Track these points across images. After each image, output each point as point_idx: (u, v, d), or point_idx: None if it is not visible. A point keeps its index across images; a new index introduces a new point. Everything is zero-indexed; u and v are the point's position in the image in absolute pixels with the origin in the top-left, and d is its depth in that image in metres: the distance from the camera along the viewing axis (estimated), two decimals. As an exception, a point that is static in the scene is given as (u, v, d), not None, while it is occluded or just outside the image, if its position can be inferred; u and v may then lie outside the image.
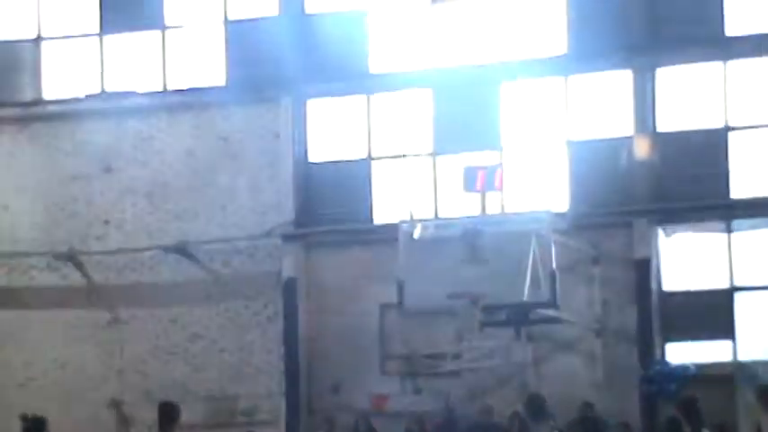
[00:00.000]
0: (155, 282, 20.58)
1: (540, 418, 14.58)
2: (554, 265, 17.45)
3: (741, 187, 19.06)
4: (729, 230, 19.10)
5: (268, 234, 20.23)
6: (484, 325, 18.28)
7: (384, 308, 19.53)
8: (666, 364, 18.84)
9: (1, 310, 20.97)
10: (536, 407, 15.08)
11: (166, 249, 20.55)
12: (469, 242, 18.05)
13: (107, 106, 21.06)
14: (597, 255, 19.30)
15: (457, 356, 18.83)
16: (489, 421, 18.98)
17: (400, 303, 18.41)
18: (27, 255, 20.99)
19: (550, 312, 17.94)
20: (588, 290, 19.23)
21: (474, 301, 17.97)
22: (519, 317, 18.20)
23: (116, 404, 19.99)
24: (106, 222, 21.00)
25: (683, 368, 18.46)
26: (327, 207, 20.32)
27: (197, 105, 20.75)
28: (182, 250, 20.43)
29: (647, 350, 18.96)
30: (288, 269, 20.15)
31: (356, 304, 19.71)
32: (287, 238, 20.27)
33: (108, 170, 21.08)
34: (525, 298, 17.48)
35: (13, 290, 21.03)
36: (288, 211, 20.34)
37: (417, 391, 19.59)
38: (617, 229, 19.25)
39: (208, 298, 20.33)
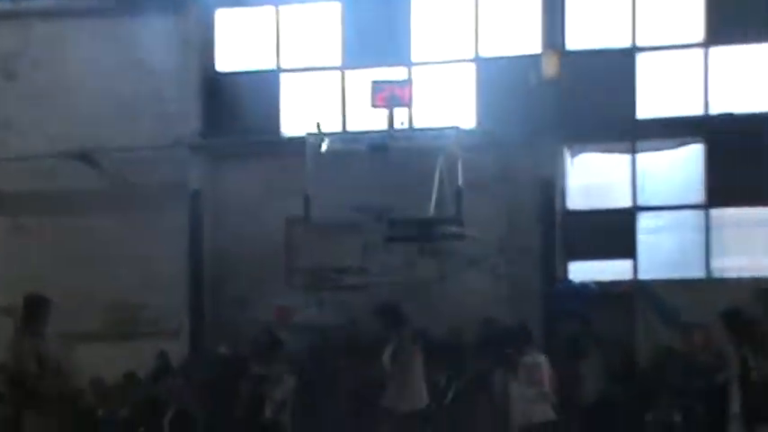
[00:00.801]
0: (57, 189, 20.18)
1: (398, 325, 14.65)
2: (460, 182, 17.22)
3: (647, 108, 19.11)
4: (634, 151, 19.18)
5: (174, 144, 19.92)
6: (389, 240, 18.14)
7: (290, 221, 19.32)
8: (569, 282, 19.06)
9: None
10: (391, 315, 15.16)
11: (69, 156, 20.10)
12: (376, 157, 17.72)
13: (11, 8, 20.55)
14: (503, 173, 19.31)
15: (362, 271, 18.79)
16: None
17: (306, 216, 18.06)
18: None
19: (455, 229, 17.73)
20: (494, 208, 19.24)
21: (379, 215, 17.78)
22: (424, 232, 18.04)
23: (9, 311, 19.39)
24: (7, 127, 20.50)
25: (585, 287, 18.68)
26: (235, 118, 20.03)
27: (104, 11, 20.28)
28: (85, 158, 20.05)
29: (550, 268, 19.09)
30: (194, 180, 19.97)
31: (262, 217, 19.59)
32: (193, 148, 20.03)
33: (10, 75, 20.64)
34: (431, 214, 17.23)
35: None
36: (194, 122, 20.08)
37: (321, 305, 19.57)
38: (523, 147, 19.24)
39: (112, 208, 19.98)
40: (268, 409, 17.51)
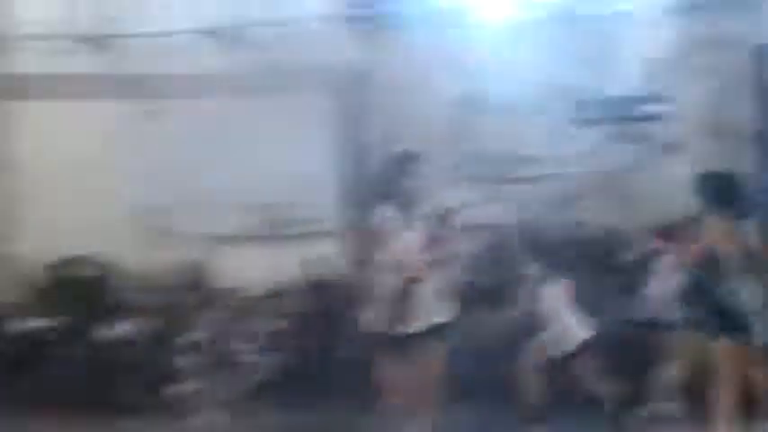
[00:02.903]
0: (194, 71, 18.18)
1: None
2: (660, 53, 15.92)
3: None
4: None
5: (329, 17, 17.95)
6: (573, 122, 16.90)
7: (458, 102, 17.62)
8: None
9: (23, 99, 18.99)
10: None
11: (206, 33, 18.20)
12: (557, 26, 16.66)
13: None
14: (713, 38, 16.93)
15: (540, 160, 17.29)
16: (583, 234, 17.14)
17: (476, 98, 17.18)
18: (51, 38, 18.72)
19: (653, 108, 16.36)
20: (700, 80, 16.95)
21: (562, 94, 16.76)
22: (616, 113, 16.71)
23: (148, 210, 17.98)
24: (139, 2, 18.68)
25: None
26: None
27: None
28: (227, 34, 18.14)
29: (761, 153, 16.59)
30: (351, 58, 17.92)
31: (427, 98, 17.63)
32: (351, 20, 18.03)
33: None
34: (623, 91, 16.12)
35: (36, 78, 18.78)
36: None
37: (493, 200, 17.69)
38: (733, 7, 16.81)
39: (260, 89, 17.88)
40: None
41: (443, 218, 11.11)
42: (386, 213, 9.95)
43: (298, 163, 17.76)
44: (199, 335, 16.46)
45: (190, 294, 17.47)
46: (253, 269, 17.26)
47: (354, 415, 13.75)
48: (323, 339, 16.24)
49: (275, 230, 17.91)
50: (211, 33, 18.40)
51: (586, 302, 14.67)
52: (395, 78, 17.87)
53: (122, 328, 17.00)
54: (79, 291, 17.66)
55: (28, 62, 18.95)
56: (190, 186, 17.96)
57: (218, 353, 16.32)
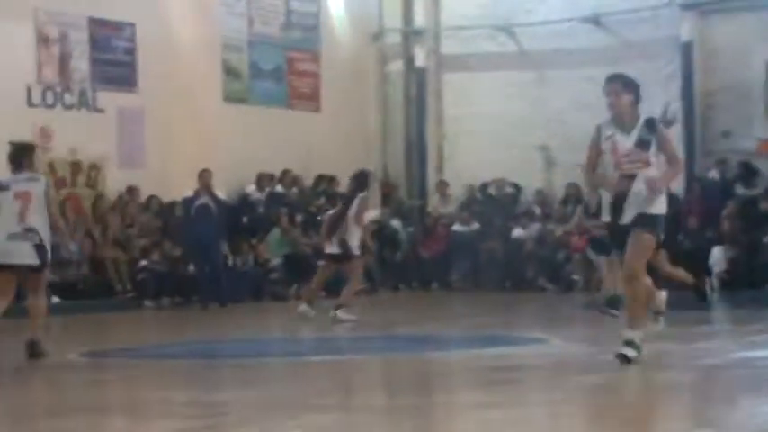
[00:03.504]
0: (573, 47, 23.94)
1: None
2: None
3: None
4: None
5: (669, 3, 23.13)
6: None
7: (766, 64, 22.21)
8: None
9: (454, 72, 25.29)
10: None
11: (583, 20, 24.03)
12: None
13: None
14: None
15: None
16: None
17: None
18: (473, 27, 24.97)
19: None
20: None
21: None
22: None
23: (543, 148, 23.51)
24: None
25: None
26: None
27: None
28: (595, 20, 23.85)
29: None
30: (685, 33, 23.09)
31: (745, 62, 22.33)
32: (685, 6, 23.22)
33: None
34: None
35: (462, 56, 25.18)
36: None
37: None
38: None
39: (616, 60, 22.69)
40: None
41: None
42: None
43: (647, 111, 22.87)
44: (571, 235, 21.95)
45: (568, 206, 23.11)
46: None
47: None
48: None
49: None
50: (582, 19, 24.06)
51: None
52: (716, 47, 22.84)
53: (528, 230, 22.83)
54: (498, 203, 23.68)
55: (455, 45, 25.42)
56: (567, 130, 23.36)
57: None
